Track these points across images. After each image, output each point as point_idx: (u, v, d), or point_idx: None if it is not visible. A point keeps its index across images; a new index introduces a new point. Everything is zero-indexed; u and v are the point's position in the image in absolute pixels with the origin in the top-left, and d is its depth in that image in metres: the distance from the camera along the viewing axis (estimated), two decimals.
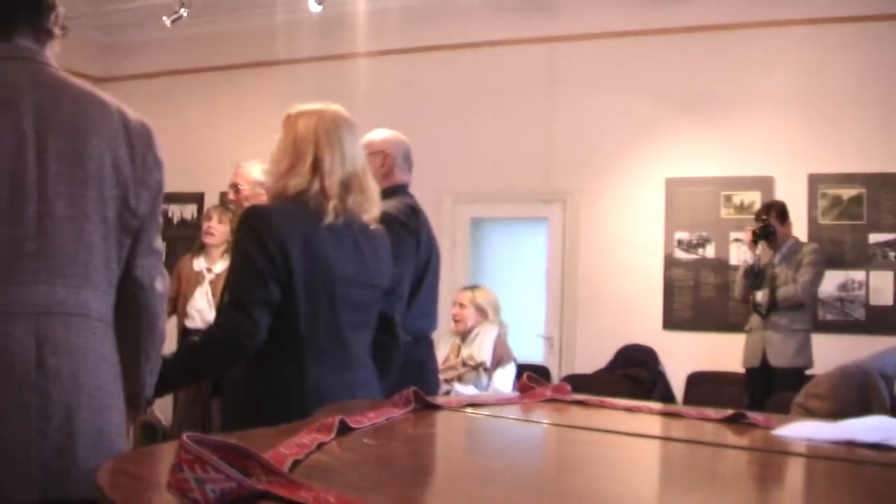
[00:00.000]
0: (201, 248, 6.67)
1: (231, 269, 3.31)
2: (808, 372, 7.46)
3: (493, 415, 2.55)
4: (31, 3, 2.53)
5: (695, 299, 9.31)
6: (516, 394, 2.90)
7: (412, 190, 4.75)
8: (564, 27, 9.84)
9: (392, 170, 4.54)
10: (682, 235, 9.36)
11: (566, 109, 9.81)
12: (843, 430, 2.19)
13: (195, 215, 10.32)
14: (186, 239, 7.03)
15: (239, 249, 3.23)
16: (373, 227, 3.44)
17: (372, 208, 3.40)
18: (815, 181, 8.89)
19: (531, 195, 10.00)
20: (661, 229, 9.42)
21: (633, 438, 2.33)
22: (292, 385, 3.16)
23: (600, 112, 9.64)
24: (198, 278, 6.51)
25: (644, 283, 9.42)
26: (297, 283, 3.14)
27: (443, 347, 7.09)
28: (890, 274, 8.63)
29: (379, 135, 4.60)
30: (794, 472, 2.05)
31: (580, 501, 1.60)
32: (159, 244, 2.69)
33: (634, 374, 9.00)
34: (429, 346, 4.65)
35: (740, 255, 8.65)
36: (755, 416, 2.43)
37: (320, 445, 1.83)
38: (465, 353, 6.93)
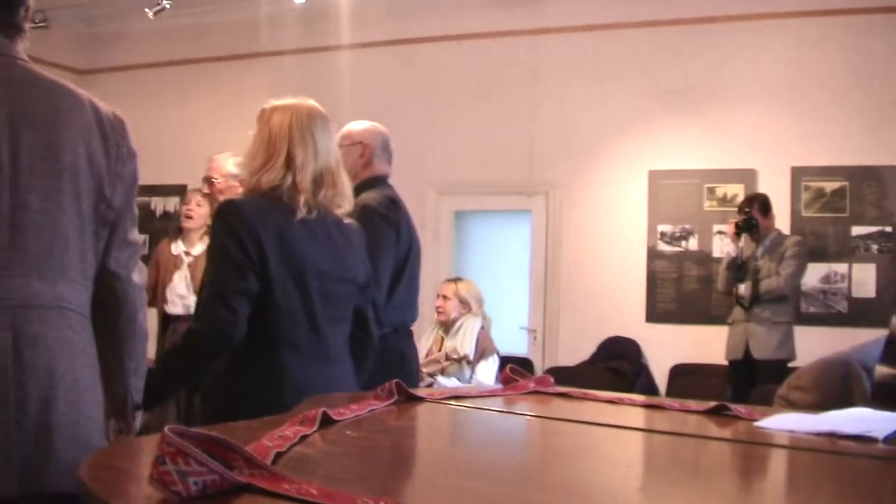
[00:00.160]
0: (179, 232, 6.60)
1: (208, 263, 3.31)
2: (790, 364, 7.49)
3: (476, 407, 2.55)
4: None
5: (678, 292, 9.33)
6: (499, 386, 2.90)
7: (396, 181, 4.75)
8: (547, 20, 9.85)
9: (371, 160, 4.54)
10: (665, 228, 9.38)
11: (549, 102, 9.82)
12: (826, 422, 2.19)
13: (178, 208, 10.31)
14: (169, 232, 6.99)
15: (215, 243, 3.26)
16: (346, 221, 3.47)
17: (343, 203, 3.42)
18: (798, 174, 8.92)
19: (514, 188, 10.01)
20: (645, 222, 9.45)
21: (616, 430, 2.33)
22: (270, 380, 3.18)
23: (583, 105, 9.65)
24: (176, 262, 6.44)
25: (627, 276, 9.44)
26: (273, 277, 3.16)
27: (426, 340, 7.10)
28: (872, 266, 8.66)
29: (357, 126, 4.60)
30: (777, 464, 2.06)
31: (563, 493, 1.61)
32: (135, 236, 2.68)
33: (617, 366, 9.02)
34: (409, 336, 4.67)
35: (723, 247, 8.67)
36: (738, 408, 2.43)
37: (303, 438, 1.82)
38: (448, 345, 6.93)
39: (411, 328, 4.69)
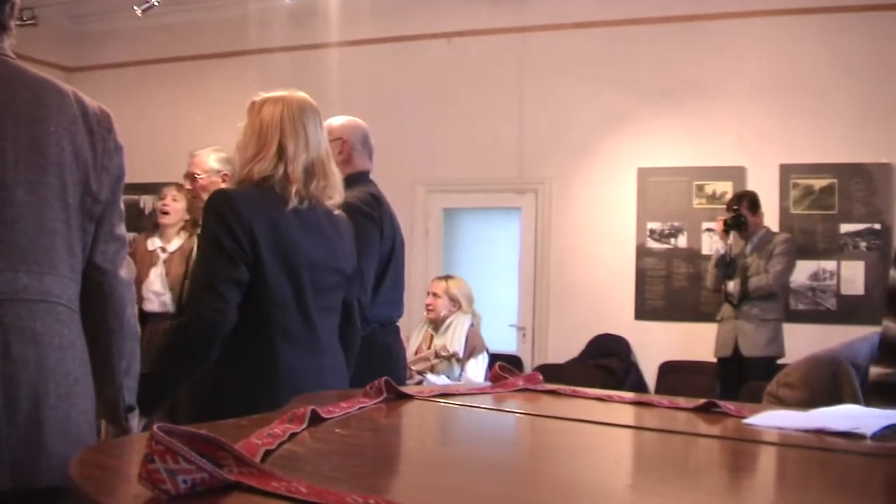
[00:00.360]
0: (155, 228, 6.50)
1: (199, 253, 3.32)
2: (779, 361, 7.51)
3: (466, 404, 2.55)
4: None
5: (667, 289, 9.35)
6: (488, 384, 2.90)
7: (385, 179, 4.74)
8: (536, 17, 9.87)
9: (351, 156, 4.49)
10: (654, 225, 9.40)
11: (539, 99, 9.83)
12: (814, 419, 2.19)
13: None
14: (146, 227, 6.93)
15: (206, 233, 3.27)
16: (336, 212, 3.51)
17: (334, 194, 3.46)
18: (787, 171, 8.94)
19: (504, 185, 10.02)
20: (634, 219, 9.47)
21: (605, 427, 2.33)
22: (264, 370, 3.19)
23: (572, 102, 9.67)
24: (152, 258, 6.36)
25: (616, 273, 9.46)
26: (266, 267, 3.19)
27: (415, 337, 7.11)
28: (861, 264, 8.69)
29: (336, 121, 4.57)
30: (766, 461, 2.06)
31: (553, 490, 1.61)
32: (122, 231, 2.67)
33: (606, 363, 9.04)
34: (396, 331, 4.68)
35: (712, 244, 8.69)
36: (727, 405, 2.43)
37: (292, 436, 1.82)
38: (437, 343, 6.93)
39: (398, 324, 4.70)
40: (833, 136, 8.81)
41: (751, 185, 8.77)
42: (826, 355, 3.59)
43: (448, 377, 6.69)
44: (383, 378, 2.48)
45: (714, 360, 8.21)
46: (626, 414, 2.63)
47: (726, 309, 8.07)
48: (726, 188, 9.11)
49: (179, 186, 6.43)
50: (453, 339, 6.91)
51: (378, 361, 3.79)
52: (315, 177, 3.35)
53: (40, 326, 2.35)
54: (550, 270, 9.82)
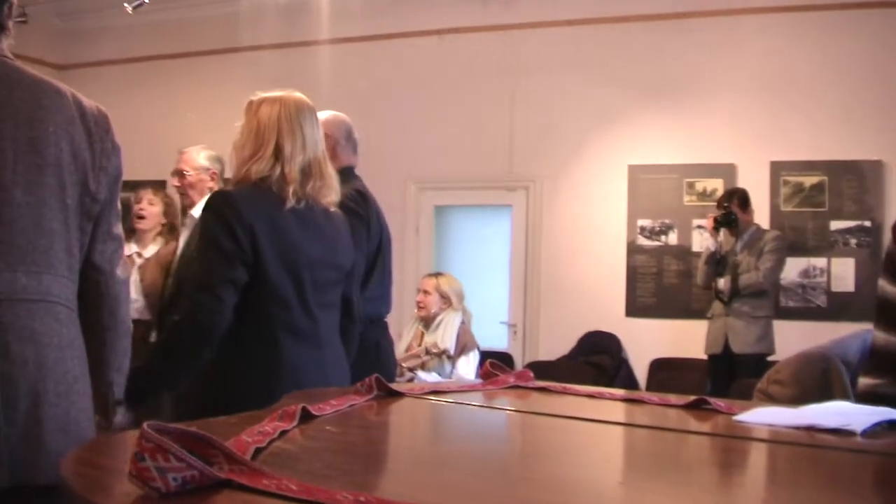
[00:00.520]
0: (132, 233, 6.16)
1: (197, 254, 3.35)
2: (770, 358, 7.52)
3: (456, 402, 2.55)
4: None
5: (657, 286, 9.36)
6: (479, 381, 2.90)
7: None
8: (527, 15, 9.87)
9: (335, 151, 4.45)
10: (644, 222, 9.41)
11: (529, 97, 9.84)
12: (805, 416, 2.19)
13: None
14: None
15: (205, 233, 3.31)
16: (332, 209, 3.54)
17: (330, 193, 3.49)
18: (777, 168, 8.96)
19: (495, 182, 10.03)
20: (624, 216, 9.48)
21: (596, 425, 2.33)
22: (269, 366, 3.22)
23: (563, 100, 9.68)
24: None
25: (607, 271, 9.47)
26: (267, 265, 3.22)
27: (406, 334, 7.11)
28: (851, 261, 8.71)
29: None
30: (757, 458, 2.06)
31: (543, 487, 1.61)
32: (119, 230, 2.70)
33: (597, 360, 9.05)
34: (384, 328, 4.70)
35: (703, 242, 8.71)
36: (717, 402, 2.43)
37: (283, 433, 1.82)
38: (428, 340, 6.93)
39: (385, 319, 4.72)
40: (823, 134, 8.83)
41: (741, 183, 8.78)
42: (816, 352, 3.60)
43: (439, 374, 6.70)
44: (374, 375, 2.48)
45: (705, 357, 8.23)
46: (617, 411, 2.63)
47: (717, 306, 8.09)
48: (717, 185, 9.12)
49: (156, 189, 6.33)
50: (444, 336, 6.91)
51: (367, 359, 3.80)
52: (312, 177, 3.38)
53: (39, 326, 2.37)
54: (541, 268, 9.83)
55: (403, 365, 6.69)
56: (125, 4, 9.63)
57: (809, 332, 7.48)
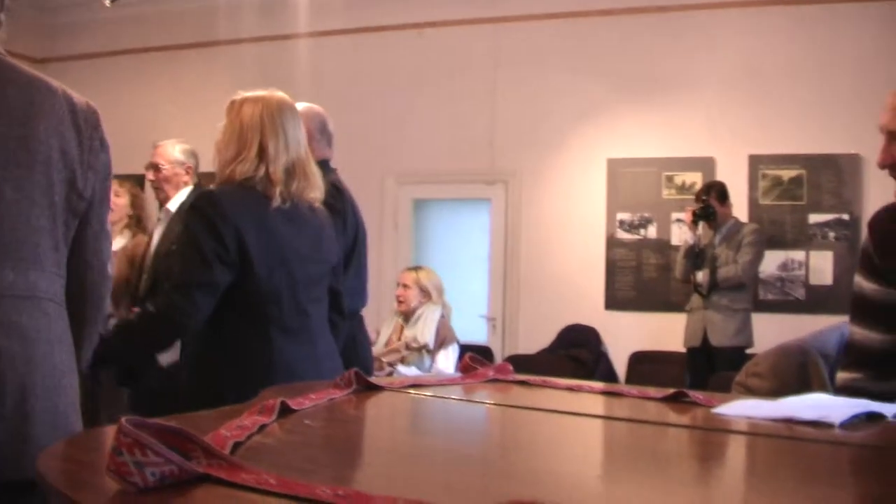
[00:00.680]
0: None
1: (177, 253, 3.36)
2: (748, 351, 7.55)
3: (436, 395, 2.55)
4: None
5: (636, 279, 9.38)
6: (458, 375, 2.90)
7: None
8: (507, 8, 9.87)
9: (310, 144, 4.45)
10: (623, 216, 9.42)
11: (509, 91, 9.84)
12: (783, 408, 2.20)
13: None
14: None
15: (187, 233, 3.33)
16: (316, 205, 3.56)
17: (314, 191, 3.51)
18: (756, 162, 8.99)
19: (474, 176, 10.03)
20: (603, 210, 9.49)
21: (575, 418, 2.34)
22: (263, 364, 3.24)
23: (543, 93, 9.68)
24: None
25: (586, 264, 9.48)
26: (256, 264, 3.24)
27: (385, 329, 7.11)
28: (829, 254, 8.74)
29: None
30: (735, 450, 2.07)
31: (522, 480, 1.61)
32: (109, 227, 2.72)
33: (577, 354, 9.06)
34: (360, 322, 4.72)
35: (681, 235, 8.72)
36: (696, 395, 2.44)
37: (262, 427, 1.82)
38: (408, 334, 6.93)
39: (361, 314, 4.73)
40: (802, 128, 8.85)
41: (720, 176, 8.81)
42: (794, 345, 3.62)
43: (418, 368, 6.69)
44: (353, 369, 2.48)
45: (683, 350, 8.25)
46: (596, 404, 2.64)
47: (695, 299, 8.11)
48: (696, 179, 9.14)
49: (121, 181, 6.26)
50: (424, 330, 6.91)
51: (344, 353, 3.80)
52: (296, 177, 3.40)
53: (27, 321, 2.38)
54: (521, 261, 9.83)
55: (383, 359, 6.69)
56: None
57: (788, 325, 7.51)
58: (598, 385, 2.85)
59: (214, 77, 10.27)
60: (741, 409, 2.28)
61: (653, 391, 2.59)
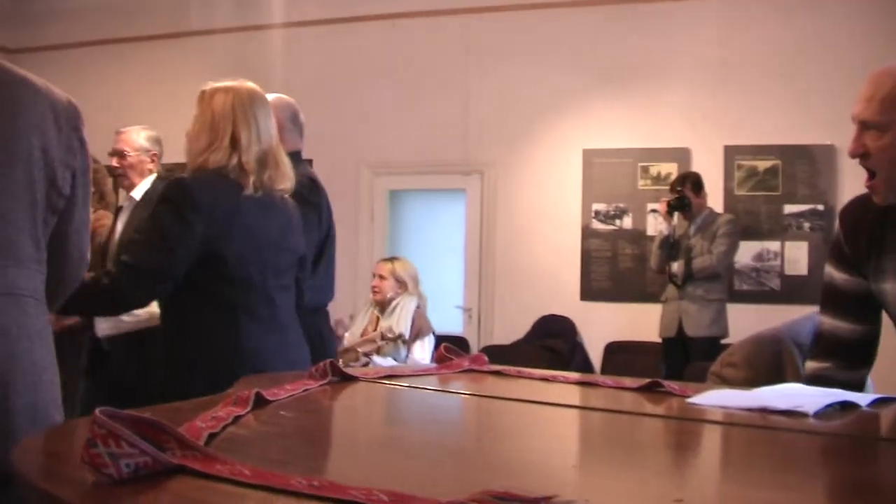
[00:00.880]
0: None
1: (139, 232, 3.36)
2: (723, 341, 7.56)
3: (411, 386, 2.55)
4: None
5: (612, 270, 9.39)
6: (434, 365, 2.91)
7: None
8: None
9: (281, 135, 4.41)
10: (599, 206, 9.44)
11: (483, 81, 9.84)
12: (757, 398, 2.21)
13: None
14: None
15: (154, 218, 3.29)
16: (286, 195, 3.56)
17: (285, 181, 3.51)
18: (731, 153, 9.01)
19: (449, 167, 10.02)
20: (579, 200, 9.50)
21: (551, 408, 2.34)
22: (232, 352, 3.23)
23: (518, 83, 9.68)
24: None
25: (562, 254, 9.49)
26: (227, 253, 3.24)
27: (361, 319, 7.10)
28: (804, 244, 8.78)
29: None
30: (710, 439, 2.07)
31: (498, 471, 1.61)
32: (89, 219, 2.73)
33: (552, 344, 9.06)
34: (326, 317, 4.72)
35: (657, 225, 8.73)
36: (671, 385, 2.45)
37: (236, 419, 1.82)
38: (384, 325, 6.92)
39: (327, 308, 4.72)
40: (777, 118, 8.88)
41: (695, 167, 8.83)
42: (769, 335, 3.62)
43: (394, 359, 6.69)
44: (328, 360, 2.47)
45: (659, 340, 8.26)
46: (572, 394, 2.64)
47: (670, 290, 8.12)
48: (671, 169, 9.16)
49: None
50: (399, 320, 6.91)
51: (311, 348, 3.79)
52: (267, 167, 3.40)
53: (7, 319, 2.38)
54: (496, 252, 9.84)
55: (359, 350, 6.68)
56: None
57: (763, 315, 7.52)
58: (574, 375, 2.86)
59: (187, 67, 10.23)
60: (716, 398, 2.29)
61: (628, 381, 2.59)
